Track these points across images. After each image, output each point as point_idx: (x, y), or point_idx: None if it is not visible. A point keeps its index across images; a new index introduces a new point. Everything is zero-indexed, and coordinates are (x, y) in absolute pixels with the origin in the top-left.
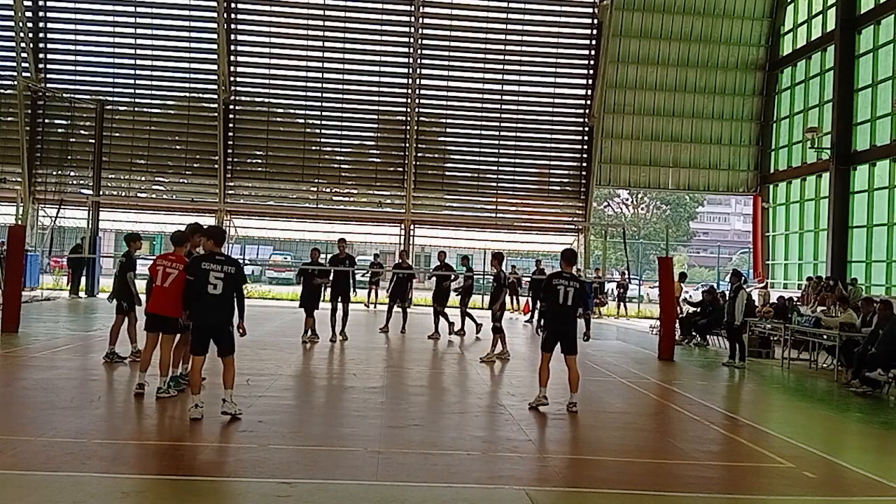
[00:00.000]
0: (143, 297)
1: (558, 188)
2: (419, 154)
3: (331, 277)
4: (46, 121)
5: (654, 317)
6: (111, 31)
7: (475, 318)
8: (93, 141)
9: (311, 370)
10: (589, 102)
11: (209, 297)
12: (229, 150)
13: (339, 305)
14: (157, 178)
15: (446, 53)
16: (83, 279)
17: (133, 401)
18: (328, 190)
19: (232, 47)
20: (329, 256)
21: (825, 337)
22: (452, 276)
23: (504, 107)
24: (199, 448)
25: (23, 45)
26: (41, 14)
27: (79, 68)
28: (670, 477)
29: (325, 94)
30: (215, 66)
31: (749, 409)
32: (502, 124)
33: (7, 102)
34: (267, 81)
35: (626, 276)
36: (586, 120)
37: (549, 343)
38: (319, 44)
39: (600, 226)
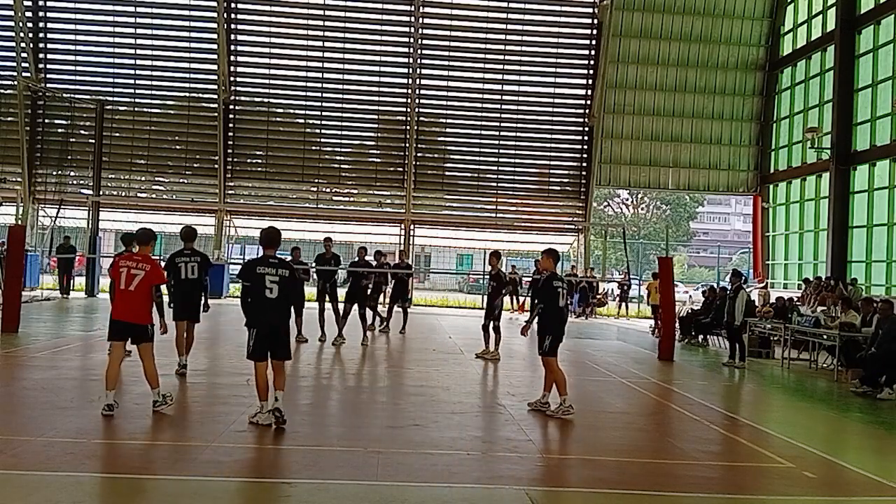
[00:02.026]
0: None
1: (558, 188)
2: (419, 154)
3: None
4: (46, 121)
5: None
6: (111, 31)
7: (381, 314)
8: (93, 141)
9: (310, 370)
10: (589, 102)
11: (267, 301)
12: (229, 150)
13: (328, 305)
14: (157, 178)
15: (446, 53)
16: (81, 279)
17: (132, 401)
18: (328, 190)
19: (232, 47)
20: (315, 256)
21: (825, 337)
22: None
23: (504, 107)
24: (199, 448)
25: (23, 45)
26: (41, 14)
27: (79, 68)
28: (670, 477)
29: (325, 94)
30: (215, 66)
31: (749, 409)
32: (502, 124)
33: (7, 102)
34: (267, 81)
35: (628, 276)
36: (586, 120)
37: (556, 347)
38: (319, 44)
39: (600, 226)
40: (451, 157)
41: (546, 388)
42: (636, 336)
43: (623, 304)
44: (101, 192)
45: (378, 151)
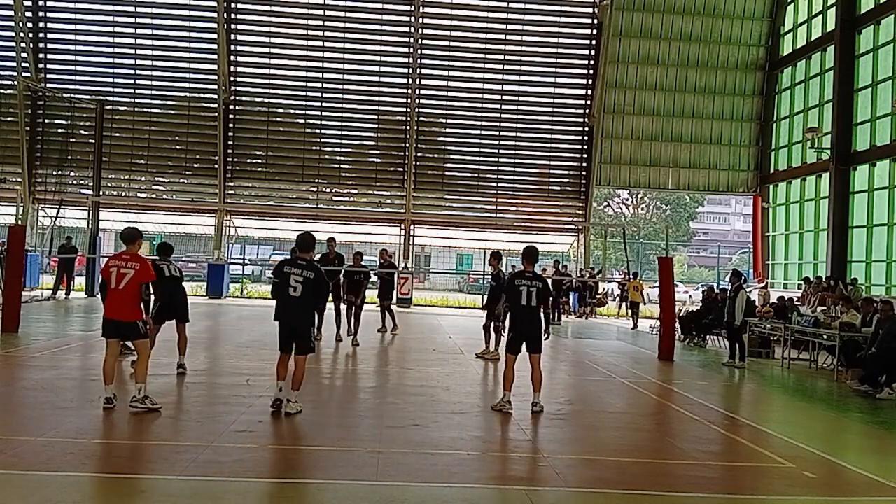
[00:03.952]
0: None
1: (558, 188)
2: (419, 154)
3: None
4: (46, 121)
5: (654, 317)
6: (111, 31)
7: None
8: (93, 141)
9: (310, 370)
10: (589, 102)
11: (290, 299)
12: (229, 150)
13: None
14: (157, 178)
15: (446, 53)
16: (81, 279)
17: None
18: (328, 190)
19: (232, 47)
20: (319, 256)
21: (825, 337)
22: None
23: (504, 107)
24: (199, 448)
25: (23, 45)
26: (41, 14)
27: (79, 68)
28: (670, 477)
29: (325, 94)
30: (215, 66)
31: (749, 409)
32: (502, 124)
33: (7, 102)
34: (267, 81)
35: (627, 276)
36: (586, 120)
37: (514, 345)
38: (319, 44)
39: (600, 226)
40: (451, 157)
41: (535, 388)
42: (636, 336)
43: (623, 304)
44: (101, 192)
45: (378, 151)
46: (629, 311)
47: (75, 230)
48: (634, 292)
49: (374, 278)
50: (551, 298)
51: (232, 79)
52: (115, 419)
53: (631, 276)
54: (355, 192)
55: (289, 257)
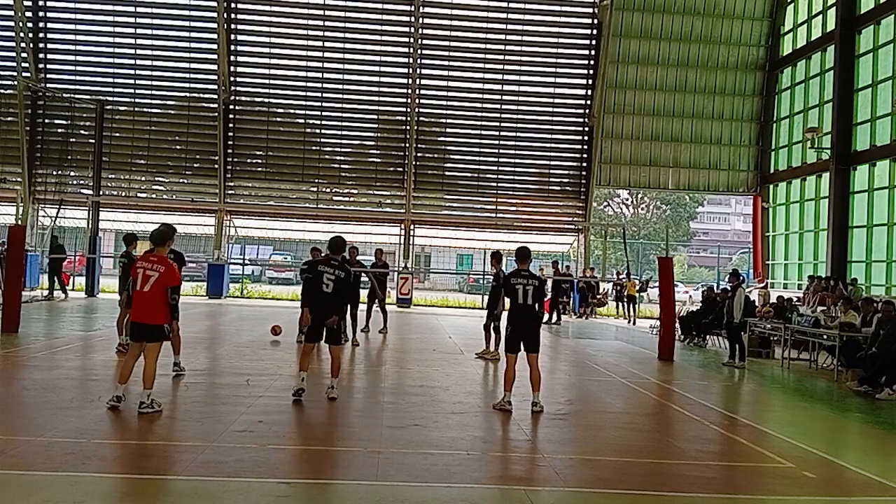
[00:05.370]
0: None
1: (558, 188)
2: (419, 154)
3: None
4: (46, 121)
5: (654, 317)
6: (111, 31)
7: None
8: (93, 141)
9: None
10: (589, 102)
11: (322, 294)
12: (229, 150)
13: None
14: (157, 178)
15: (446, 53)
16: (81, 279)
17: (132, 401)
18: (328, 190)
19: (232, 47)
20: (304, 262)
21: (825, 337)
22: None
23: (504, 107)
24: (199, 448)
25: (23, 45)
26: (41, 14)
27: (79, 68)
28: (670, 477)
29: (325, 94)
30: (215, 66)
31: (749, 409)
32: (502, 124)
33: (7, 102)
34: (267, 81)
35: (627, 275)
36: (586, 120)
37: (513, 344)
38: (319, 44)
39: (600, 226)
40: (451, 157)
41: (534, 388)
42: (636, 336)
43: (620, 303)
44: (101, 192)
45: (378, 151)
46: (627, 308)
47: (75, 230)
48: (631, 286)
49: (364, 278)
50: (548, 298)
51: (232, 79)
52: (115, 419)
53: (627, 278)
54: (355, 192)
55: (321, 257)
